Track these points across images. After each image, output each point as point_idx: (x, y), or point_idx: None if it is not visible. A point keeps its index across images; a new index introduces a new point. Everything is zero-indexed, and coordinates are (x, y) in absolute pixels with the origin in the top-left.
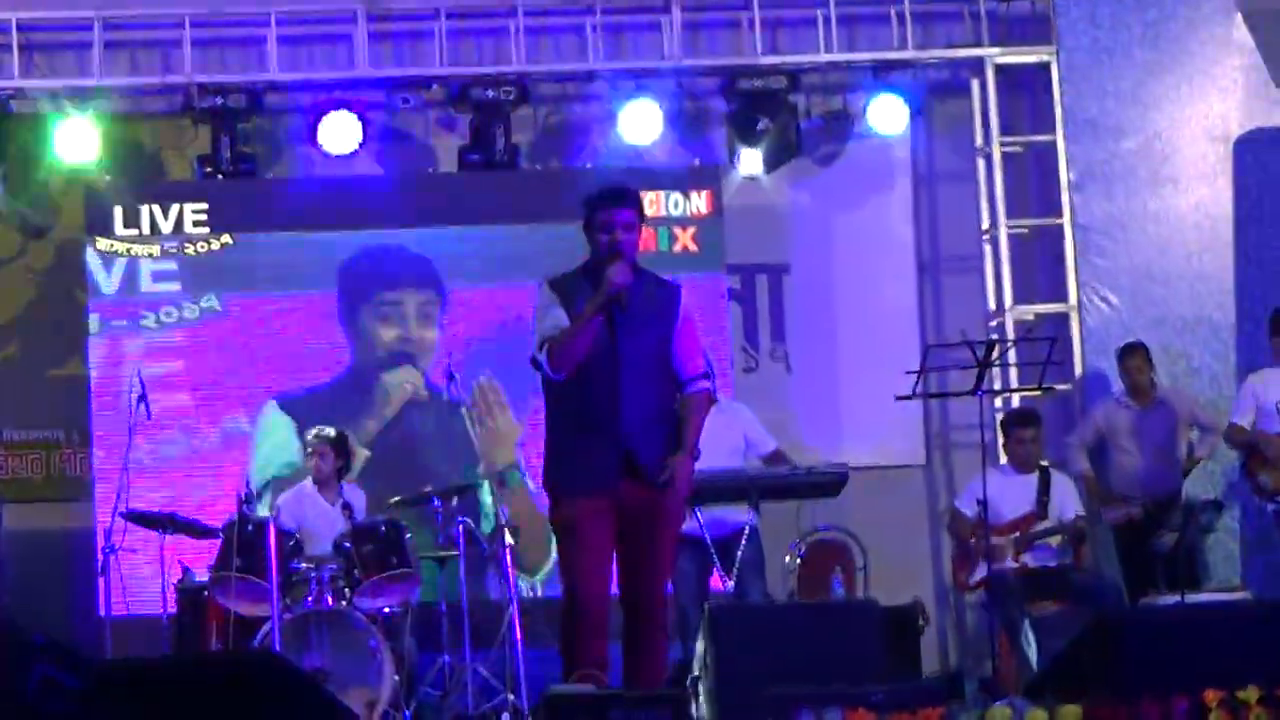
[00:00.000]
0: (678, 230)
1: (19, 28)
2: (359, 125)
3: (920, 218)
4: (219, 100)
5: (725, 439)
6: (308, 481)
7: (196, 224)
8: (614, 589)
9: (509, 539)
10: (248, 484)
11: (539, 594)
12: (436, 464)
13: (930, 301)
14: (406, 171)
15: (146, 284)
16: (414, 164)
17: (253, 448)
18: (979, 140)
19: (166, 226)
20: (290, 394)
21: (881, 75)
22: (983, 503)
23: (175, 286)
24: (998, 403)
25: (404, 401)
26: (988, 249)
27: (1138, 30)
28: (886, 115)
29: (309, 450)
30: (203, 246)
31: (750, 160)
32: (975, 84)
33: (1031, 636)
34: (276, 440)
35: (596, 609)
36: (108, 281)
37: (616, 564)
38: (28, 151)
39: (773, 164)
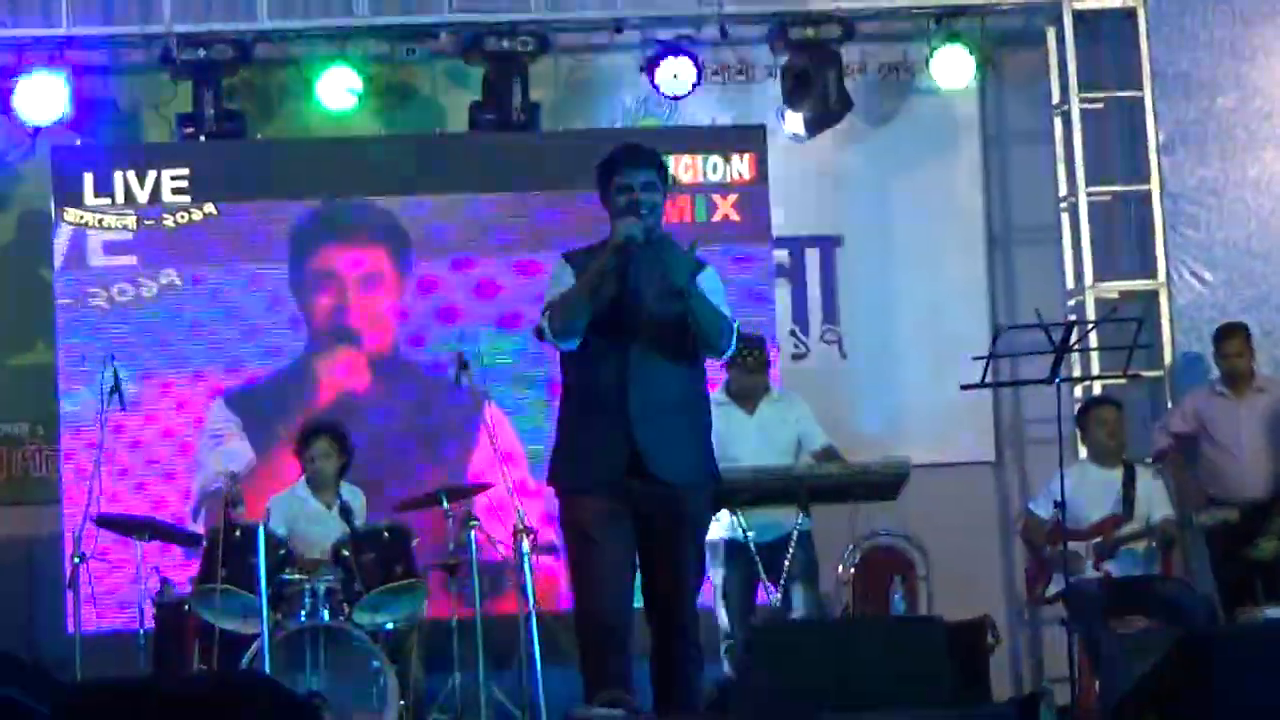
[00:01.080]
0: (717, 198)
1: None
2: (358, 80)
3: (989, 184)
4: (202, 52)
5: (776, 434)
6: (301, 481)
7: (176, 191)
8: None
9: (526, 545)
10: (234, 483)
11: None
12: (439, 459)
13: (1001, 278)
14: (412, 132)
15: (121, 258)
16: (420, 124)
17: (204, 454)
18: (1055, 97)
19: (143, 195)
20: (233, 389)
21: (946, 23)
22: (1060, 504)
23: (154, 262)
24: (1077, 392)
25: (339, 391)
26: (1065, 219)
27: None
28: (951, 68)
29: (307, 453)
30: (183, 217)
31: (799, 120)
32: (1051, 33)
33: (1115, 656)
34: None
35: (613, 622)
36: (77, 257)
37: (640, 571)
38: None
39: (824, 124)
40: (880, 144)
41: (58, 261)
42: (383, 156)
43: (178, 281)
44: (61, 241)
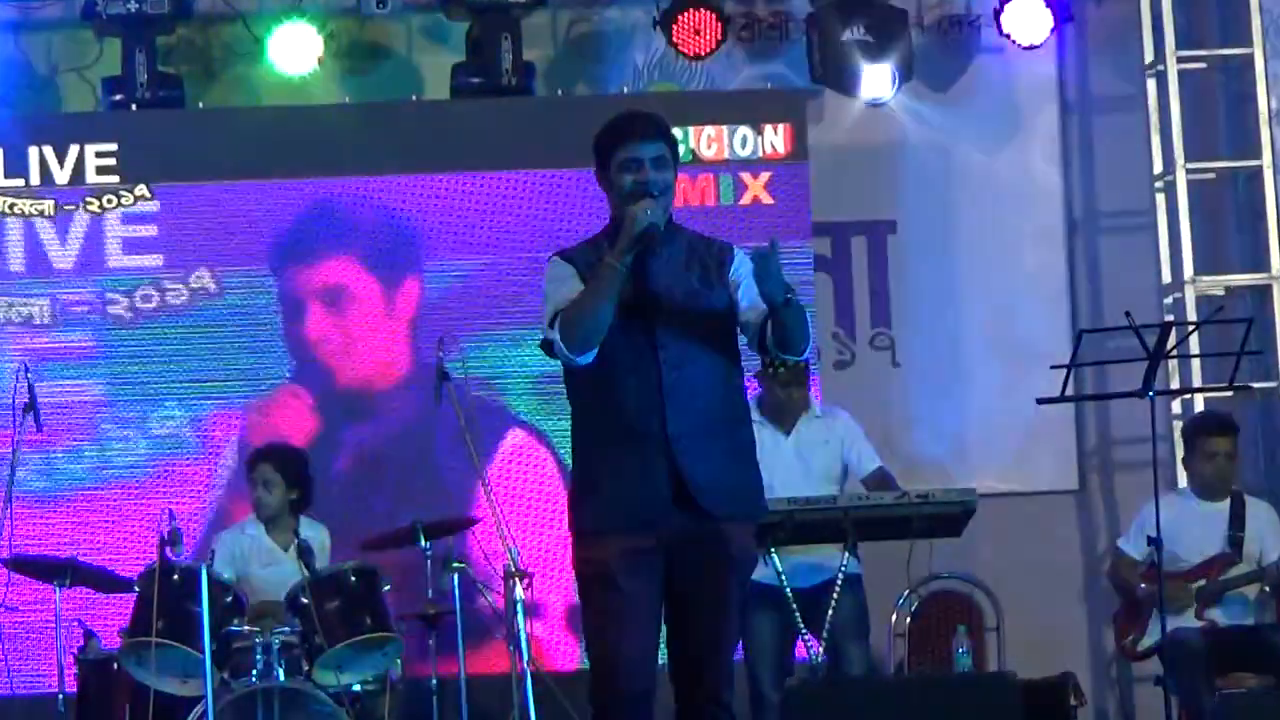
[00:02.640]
0: (746, 177)
1: None
2: (317, 38)
3: (1070, 159)
4: (133, 5)
5: (818, 458)
6: (252, 516)
7: (102, 171)
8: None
9: (520, 590)
10: (172, 519)
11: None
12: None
13: (1084, 272)
14: (382, 100)
15: (39, 252)
16: (392, 90)
17: None
18: (1148, 56)
19: (62, 175)
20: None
21: None
22: (1156, 541)
23: (72, 254)
24: (1175, 406)
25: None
26: (1161, 200)
27: None
28: (1025, 22)
29: (251, 476)
30: (110, 201)
31: (883, 75)
32: None
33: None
34: None
35: (638, 689)
36: None
37: (666, 624)
38: None
39: (875, 88)
40: (942, 112)
41: None
42: (347, 130)
43: (107, 284)
44: None
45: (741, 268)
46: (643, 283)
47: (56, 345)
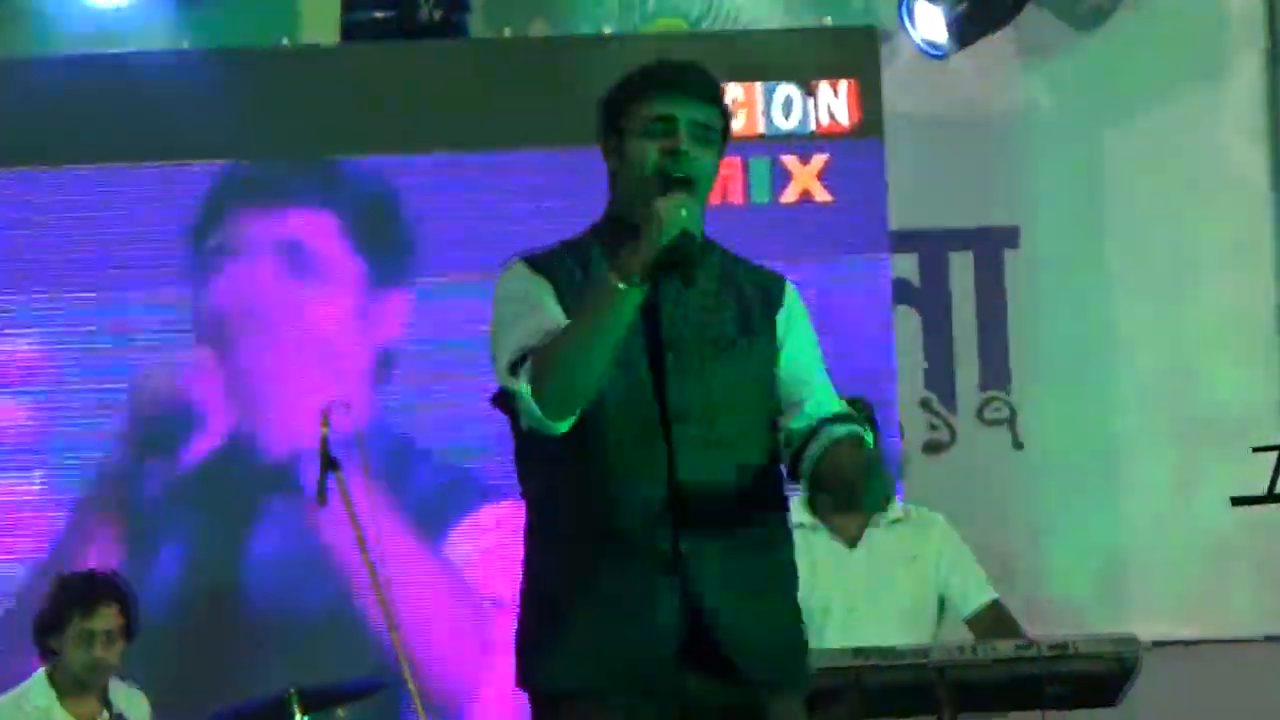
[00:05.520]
0: (790, 161)
1: None
2: None
3: None
4: None
5: (897, 584)
6: (40, 676)
7: None
8: None
9: None
10: None
11: None
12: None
13: None
14: (238, 46)
15: None
16: (253, 33)
17: None
18: None
19: None
20: None
21: None
22: None
23: None
24: None
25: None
26: None
27: None
28: None
29: (66, 630)
30: None
31: (935, 21)
32: None
33: None
34: None
35: None
36: None
37: None
38: None
39: (981, 29)
40: (1084, 66)
41: None
42: (183, 90)
43: None
44: None
45: (796, 322)
46: (654, 322)
47: None
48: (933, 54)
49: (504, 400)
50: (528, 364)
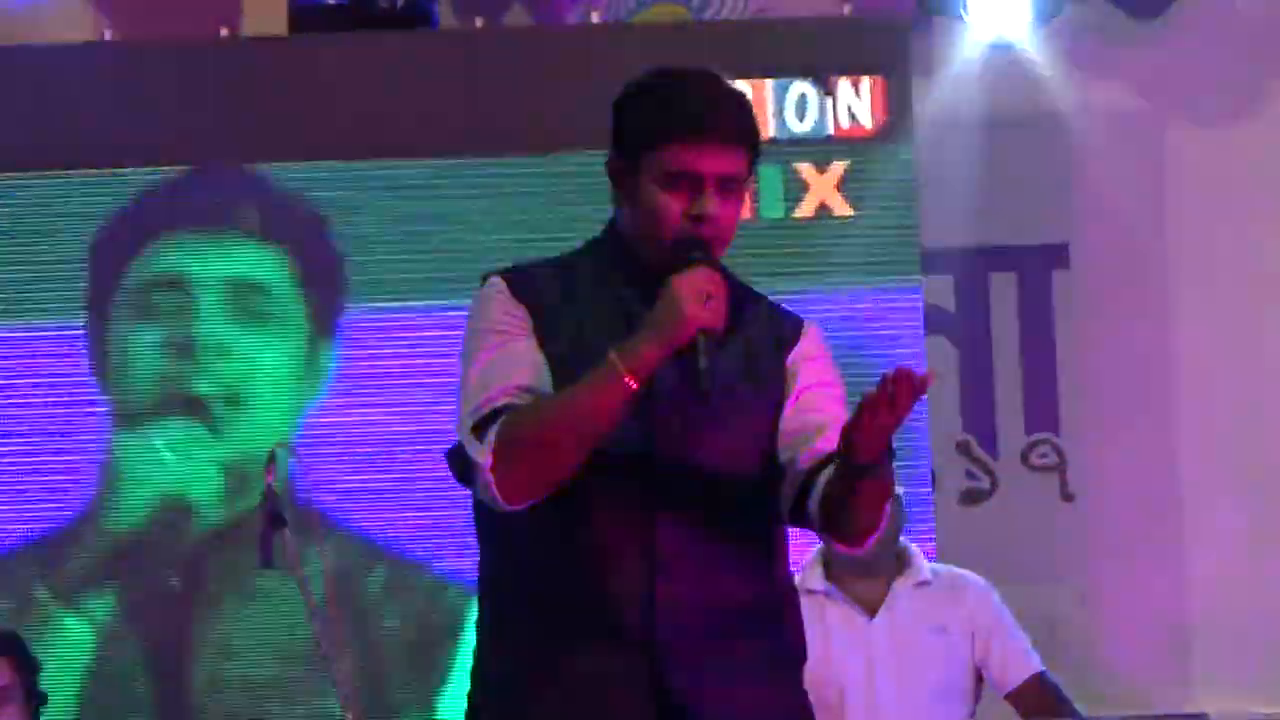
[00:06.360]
0: (807, 171)
1: None
2: None
3: None
4: None
5: (929, 657)
6: None
7: None
8: None
9: None
10: None
11: None
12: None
13: None
14: (171, 37)
15: None
16: (186, 20)
17: None
18: None
19: None
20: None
21: None
22: None
23: None
24: None
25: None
26: None
27: None
28: None
29: None
30: None
31: (981, 3)
32: None
33: None
34: None
35: None
36: None
37: None
38: None
39: (1038, 11)
40: (1149, 54)
41: None
42: (102, 89)
43: None
44: None
45: (811, 363)
46: (655, 406)
47: None
48: (983, 43)
49: (459, 463)
50: (495, 429)
